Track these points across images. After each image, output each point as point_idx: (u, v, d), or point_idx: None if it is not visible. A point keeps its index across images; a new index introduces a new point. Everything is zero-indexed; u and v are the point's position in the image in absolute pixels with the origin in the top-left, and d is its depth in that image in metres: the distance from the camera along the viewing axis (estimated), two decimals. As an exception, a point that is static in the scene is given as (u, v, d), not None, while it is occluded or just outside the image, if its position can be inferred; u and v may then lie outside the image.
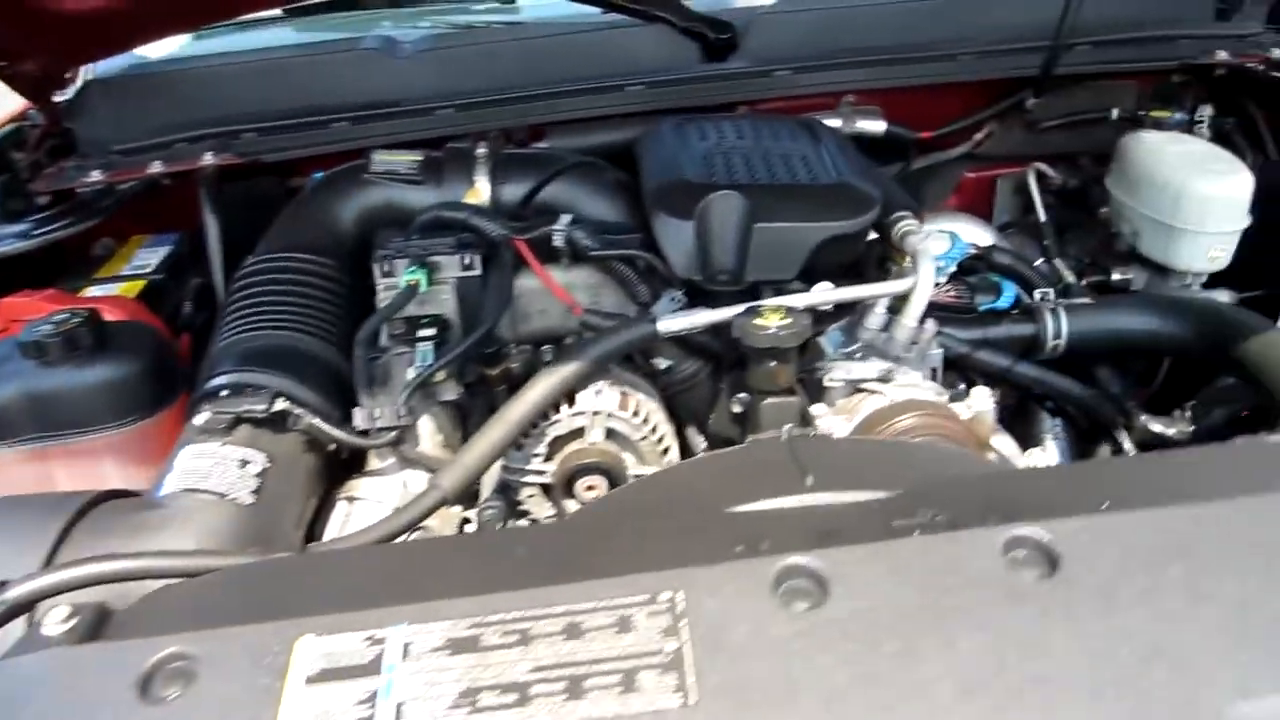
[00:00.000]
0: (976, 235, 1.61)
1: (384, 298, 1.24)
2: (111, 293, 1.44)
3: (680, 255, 1.22)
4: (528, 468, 1.16)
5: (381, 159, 1.39)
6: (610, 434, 1.15)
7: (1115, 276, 1.52)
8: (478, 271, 1.24)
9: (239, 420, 1.09)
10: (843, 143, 1.42)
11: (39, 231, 1.47)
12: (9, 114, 1.68)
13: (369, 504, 1.15)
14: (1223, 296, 1.48)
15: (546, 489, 1.18)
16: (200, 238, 1.52)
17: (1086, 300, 1.41)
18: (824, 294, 1.15)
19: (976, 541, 0.60)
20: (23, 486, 1.17)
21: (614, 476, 1.14)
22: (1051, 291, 1.41)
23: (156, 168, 1.56)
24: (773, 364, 1.08)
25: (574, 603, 0.59)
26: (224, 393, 1.11)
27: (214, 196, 1.51)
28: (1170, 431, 1.30)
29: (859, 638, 0.55)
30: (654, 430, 1.17)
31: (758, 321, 1.05)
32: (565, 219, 1.27)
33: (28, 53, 1.42)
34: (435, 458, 1.17)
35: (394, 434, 1.11)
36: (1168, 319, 1.32)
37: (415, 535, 1.01)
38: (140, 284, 1.46)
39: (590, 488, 1.14)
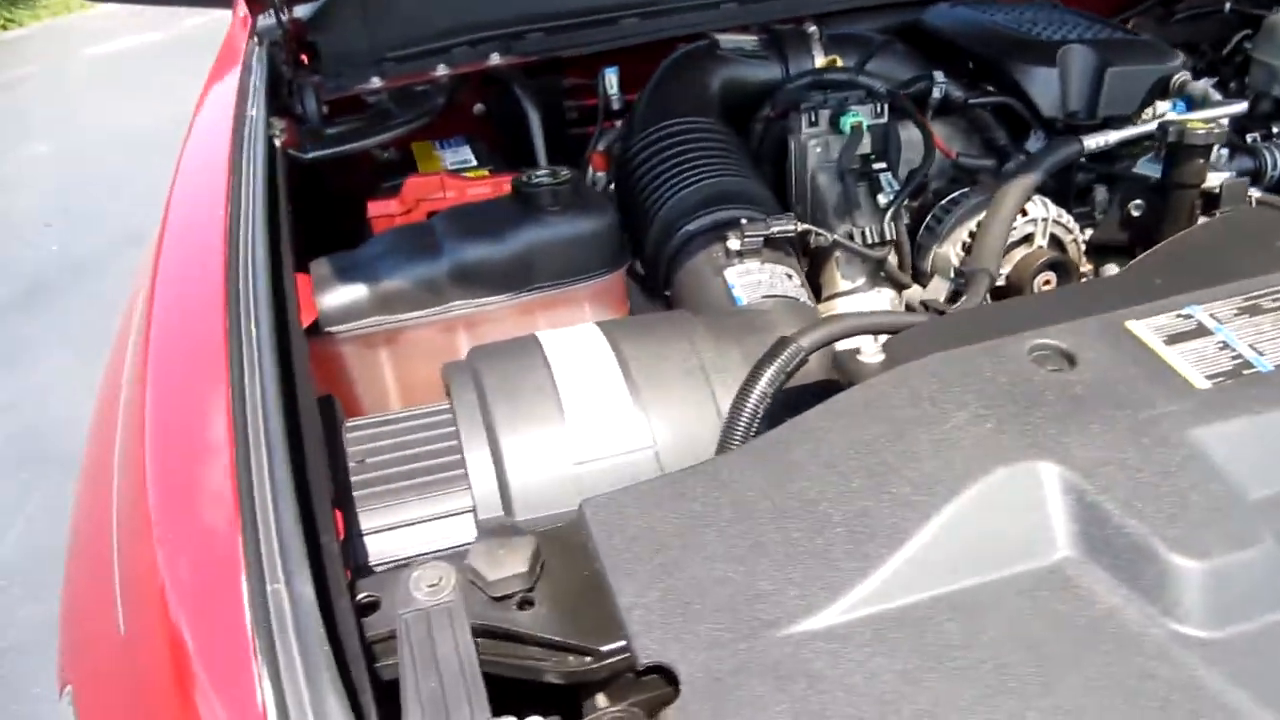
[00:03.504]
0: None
1: (810, 142, 1.33)
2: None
3: (1046, 98, 1.41)
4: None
5: (726, 40, 1.47)
6: (1053, 238, 1.31)
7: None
8: (885, 120, 1.36)
9: (767, 242, 1.16)
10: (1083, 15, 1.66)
11: (381, 129, 1.42)
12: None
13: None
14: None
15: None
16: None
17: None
18: (1229, 108, 1.36)
19: None
20: (507, 337, 1.17)
21: (1067, 271, 1.30)
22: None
23: (441, 70, 1.54)
24: (1200, 161, 1.28)
25: None
26: (742, 221, 1.17)
27: (529, 89, 1.53)
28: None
29: None
30: (1077, 234, 1.34)
31: (1195, 122, 1.25)
32: (939, 75, 1.42)
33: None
34: (901, 275, 1.28)
35: (887, 248, 1.22)
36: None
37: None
38: (481, 172, 1.45)
39: (1046, 282, 1.29)
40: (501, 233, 1.16)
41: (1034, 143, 1.43)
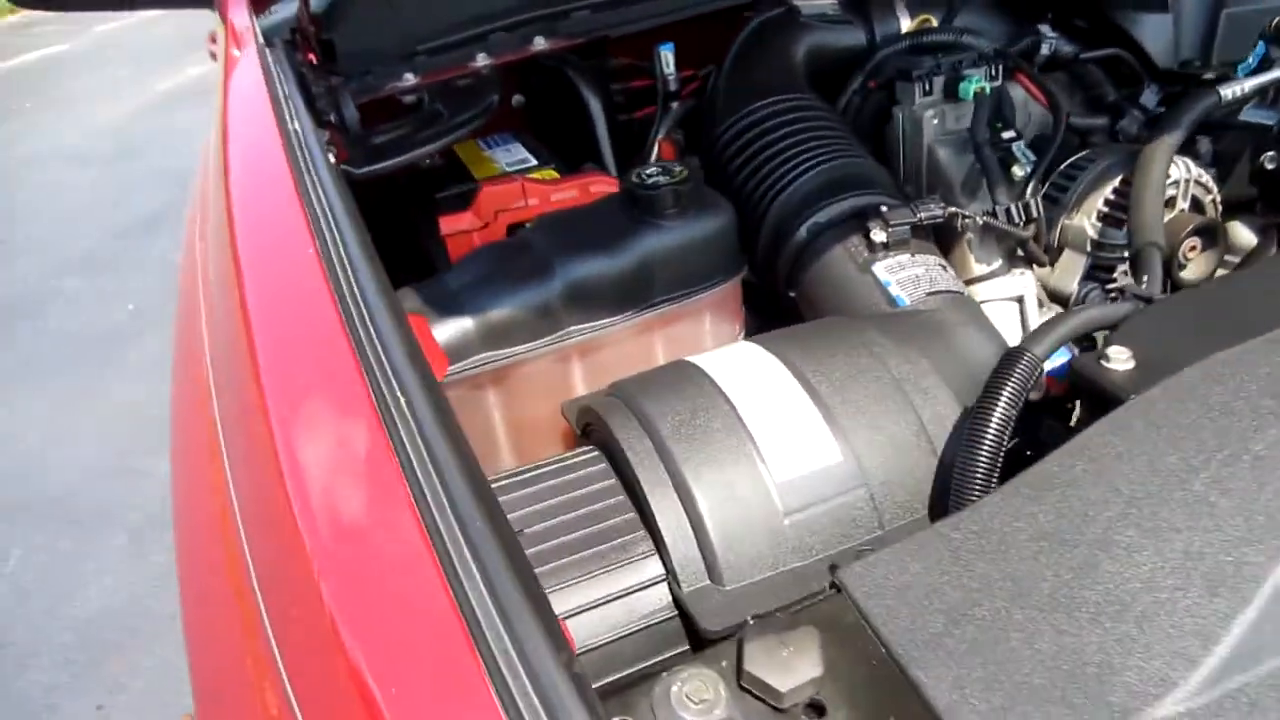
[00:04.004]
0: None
1: (927, 113, 1.20)
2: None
3: (1159, 47, 1.30)
4: (1124, 242, 1.18)
5: (805, 6, 1.34)
6: (1193, 200, 1.20)
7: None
8: (999, 81, 1.23)
9: (912, 230, 1.03)
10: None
11: (435, 135, 1.25)
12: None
13: (1000, 304, 1.14)
14: None
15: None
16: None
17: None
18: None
19: None
20: (629, 361, 1.03)
21: (1214, 235, 1.19)
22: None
23: (481, 60, 1.38)
24: (1348, 104, 1.18)
25: None
26: (882, 209, 1.04)
27: (585, 74, 1.37)
28: None
29: None
30: (1216, 194, 1.23)
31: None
32: (1047, 29, 1.30)
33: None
34: (1040, 253, 1.16)
35: (1033, 225, 1.10)
36: None
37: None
38: (549, 172, 1.30)
39: (1193, 248, 1.18)
40: (617, 244, 1.01)
41: (1148, 97, 1.32)
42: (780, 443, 0.79)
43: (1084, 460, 0.68)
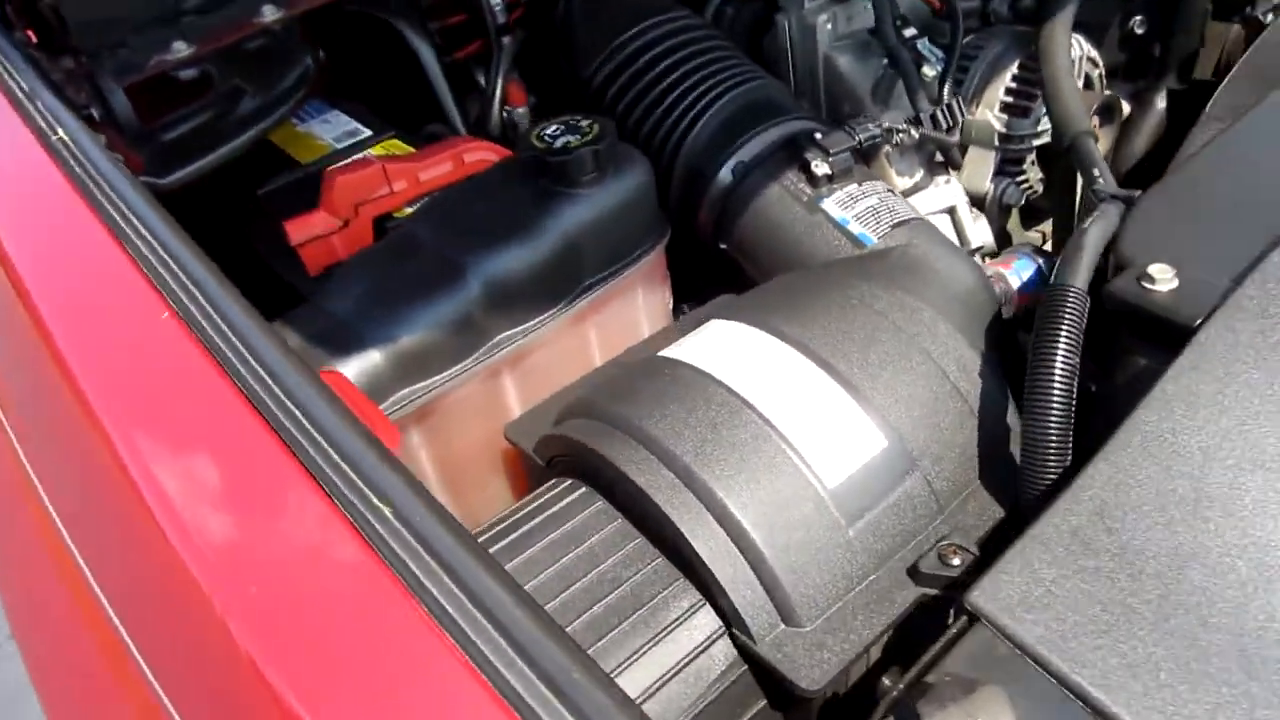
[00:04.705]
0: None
1: (820, 18, 1.07)
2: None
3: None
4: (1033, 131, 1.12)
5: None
6: (1085, 79, 1.16)
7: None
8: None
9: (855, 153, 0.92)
10: None
11: (249, 119, 0.99)
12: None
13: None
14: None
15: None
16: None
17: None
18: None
19: None
20: (565, 360, 0.88)
21: (1112, 113, 1.16)
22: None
23: (269, 13, 1.11)
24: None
25: None
26: (816, 136, 0.91)
27: (408, 14, 1.14)
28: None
29: None
30: (1102, 67, 1.19)
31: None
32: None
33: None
34: (958, 155, 1.09)
35: (957, 129, 1.02)
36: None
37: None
38: (396, 144, 1.08)
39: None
40: (532, 225, 0.83)
41: (1014, -30, 1.26)
42: (819, 441, 0.67)
43: (1181, 405, 0.61)
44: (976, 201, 1.14)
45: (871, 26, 1.09)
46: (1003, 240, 1.16)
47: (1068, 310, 0.66)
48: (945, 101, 1.01)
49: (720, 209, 0.96)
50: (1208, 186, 0.81)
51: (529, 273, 0.82)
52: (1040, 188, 1.18)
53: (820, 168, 0.89)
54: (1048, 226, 1.24)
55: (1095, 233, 0.73)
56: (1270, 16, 1.18)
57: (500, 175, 0.89)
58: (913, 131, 0.96)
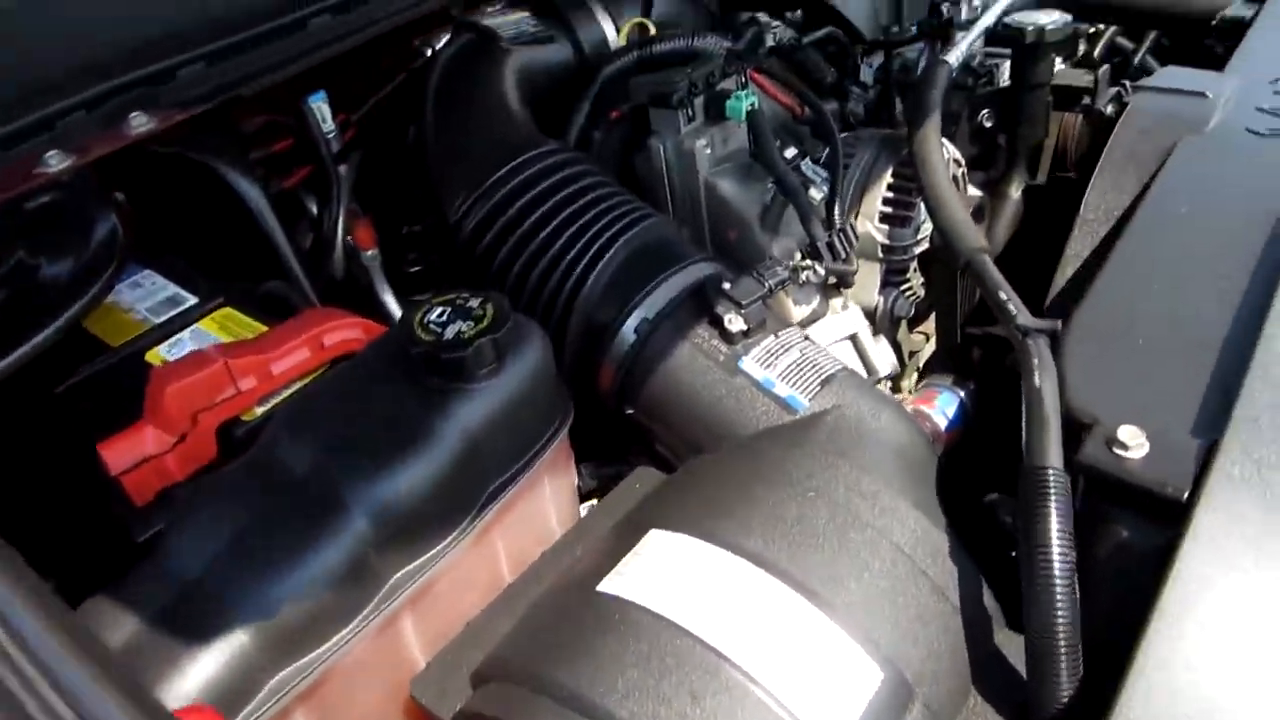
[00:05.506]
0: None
1: (698, 142, 1.00)
2: (205, 338, 0.88)
3: (862, 18, 1.23)
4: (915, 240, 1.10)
5: (501, 24, 1.06)
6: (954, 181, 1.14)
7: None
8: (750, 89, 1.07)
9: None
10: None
11: (54, 305, 0.80)
12: None
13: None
14: None
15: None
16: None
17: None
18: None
19: None
20: (473, 585, 0.75)
21: (982, 212, 1.15)
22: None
23: (55, 161, 0.93)
24: (1052, 57, 1.18)
25: None
26: (725, 286, 0.84)
27: (229, 152, 0.99)
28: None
29: None
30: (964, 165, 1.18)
31: (1045, 21, 1.13)
32: (765, 18, 1.15)
33: None
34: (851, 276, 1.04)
35: (848, 255, 0.98)
36: None
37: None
38: (234, 318, 0.91)
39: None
40: (423, 433, 0.69)
41: (865, 73, 1.24)
42: (815, 693, 0.58)
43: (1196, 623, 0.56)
44: (866, 315, 1.10)
45: (747, 147, 1.03)
46: (897, 352, 1.12)
47: (1056, 501, 0.60)
48: (839, 226, 0.96)
49: (625, 371, 0.86)
50: (1126, 311, 0.80)
51: (427, 492, 0.69)
52: (923, 292, 1.16)
53: (734, 323, 0.81)
54: (929, 326, 1.22)
55: (1049, 398, 0.69)
56: (1110, 108, 1.21)
57: (376, 370, 0.75)
58: (818, 269, 0.90)
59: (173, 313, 0.92)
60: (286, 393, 0.80)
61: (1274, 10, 1.26)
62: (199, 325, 0.90)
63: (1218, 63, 1.20)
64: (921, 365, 1.18)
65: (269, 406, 0.79)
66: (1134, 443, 0.64)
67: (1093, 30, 1.50)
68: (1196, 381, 0.68)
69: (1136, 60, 1.51)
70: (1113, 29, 1.53)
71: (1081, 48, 1.43)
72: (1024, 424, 0.67)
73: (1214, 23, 1.34)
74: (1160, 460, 0.63)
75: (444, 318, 0.73)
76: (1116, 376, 0.72)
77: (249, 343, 0.82)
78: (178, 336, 0.89)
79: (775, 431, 0.78)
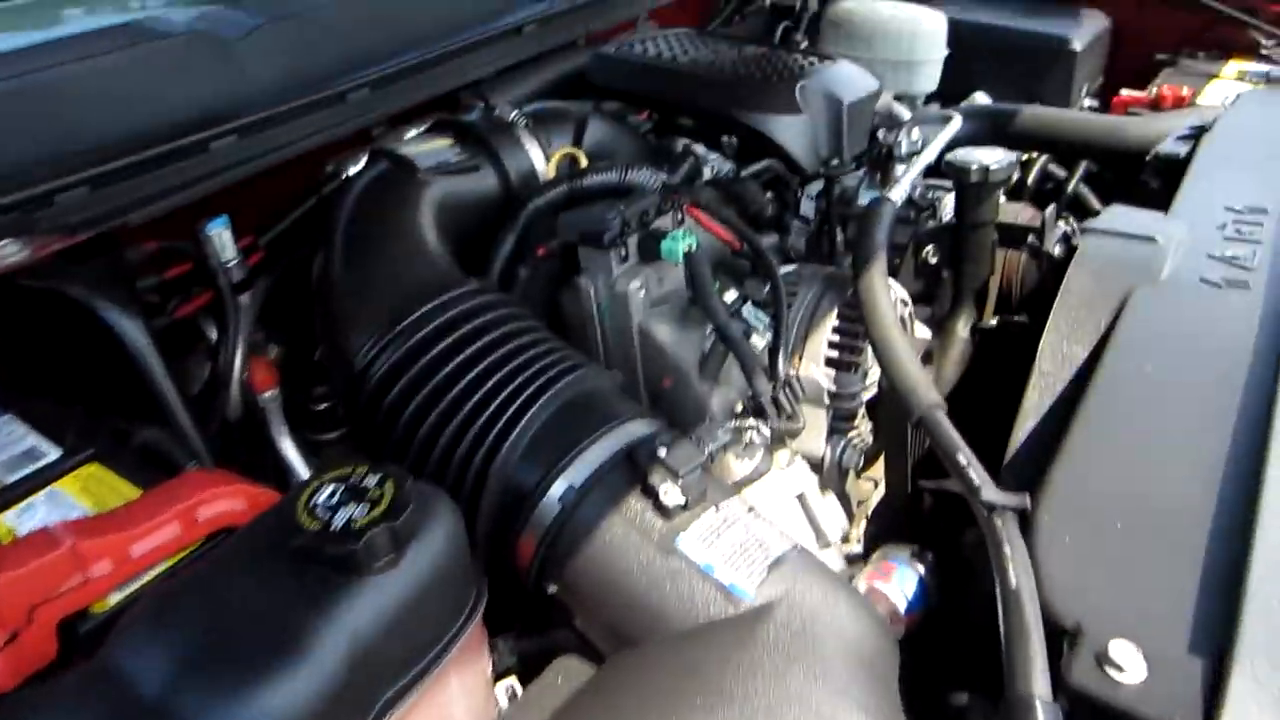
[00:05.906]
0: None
1: (632, 285, 0.93)
2: (62, 503, 0.76)
3: (802, 149, 1.19)
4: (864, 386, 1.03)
5: (420, 153, 0.99)
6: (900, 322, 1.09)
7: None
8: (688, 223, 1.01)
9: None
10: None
11: None
12: None
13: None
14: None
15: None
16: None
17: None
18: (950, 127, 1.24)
19: None
20: None
21: (930, 354, 1.10)
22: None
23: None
24: (998, 194, 1.15)
25: None
26: (661, 452, 0.75)
27: (108, 286, 0.89)
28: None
29: None
30: (910, 304, 1.14)
31: (989, 161, 1.11)
32: (702, 149, 1.11)
33: None
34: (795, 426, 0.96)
35: (795, 411, 0.90)
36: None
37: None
38: (99, 473, 0.79)
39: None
40: (308, 636, 0.59)
41: (806, 205, 1.20)
42: None
43: None
44: (814, 464, 1.03)
45: (684, 288, 0.97)
46: (845, 503, 1.05)
47: None
48: (783, 380, 0.89)
49: (548, 545, 0.76)
50: (1100, 489, 0.73)
51: (303, 712, 0.58)
52: (871, 438, 1.09)
53: (670, 495, 0.73)
54: (877, 470, 1.15)
55: (1029, 604, 0.61)
56: (1058, 249, 1.19)
57: (254, 557, 0.64)
58: (762, 428, 0.82)
59: (28, 469, 0.80)
60: (149, 575, 0.69)
61: (1210, 151, 1.26)
62: (57, 486, 0.79)
63: (1153, 196, 1.18)
64: (870, 514, 1.11)
65: (125, 594, 0.68)
66: (1129, 663, 0.56)
67: (1025, 158, 1.50)
68: (1187, 577, 0.61)
69: (1070, 189, 1.51)
70: (1045, 156, 1.53)
71: (1015, 174, 1.41)
72: (1001, 632, 0.59)
73: (1148, 159, 1.33)
74: (1161, 685, 0.56)
75: (334, 499, 0.63)
76: (1097, 572, 0.65)
77: (108, 517, 0.70)
78: (29, 501, 0.77)
79: (716, 629, 0.68)
